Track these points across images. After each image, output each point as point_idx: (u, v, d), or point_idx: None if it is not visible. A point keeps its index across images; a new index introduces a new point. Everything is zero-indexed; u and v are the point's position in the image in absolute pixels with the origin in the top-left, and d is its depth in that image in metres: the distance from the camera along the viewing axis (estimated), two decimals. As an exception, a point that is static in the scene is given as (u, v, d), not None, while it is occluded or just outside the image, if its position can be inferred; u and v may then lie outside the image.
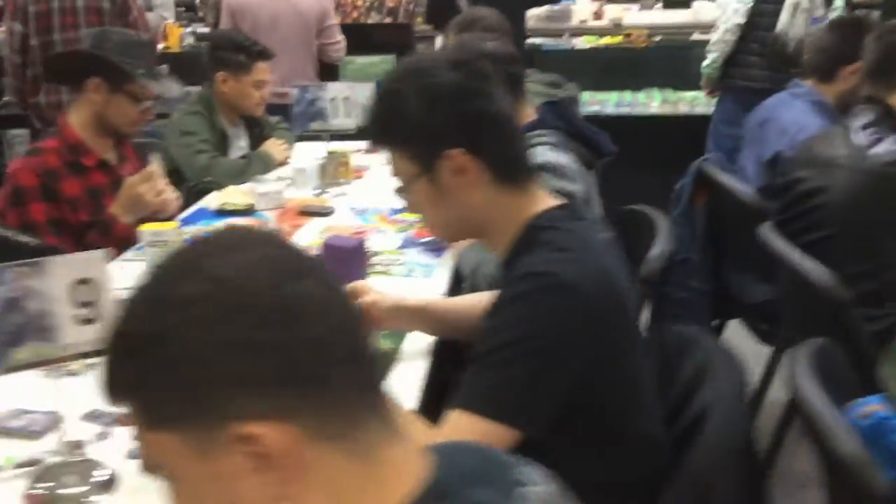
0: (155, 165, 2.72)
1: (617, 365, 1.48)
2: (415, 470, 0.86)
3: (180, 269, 0.83)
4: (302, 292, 0.83)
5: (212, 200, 3.17)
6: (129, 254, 2.66)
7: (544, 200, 1.56)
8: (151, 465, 0.85)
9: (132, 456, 1.58)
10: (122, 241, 2.66)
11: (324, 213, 2.99)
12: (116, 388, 0.84)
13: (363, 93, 3.24)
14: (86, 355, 1.48)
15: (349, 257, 2.31)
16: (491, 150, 1.51)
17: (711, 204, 3.10)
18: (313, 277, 0.85)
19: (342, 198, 3.20)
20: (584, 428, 1.49)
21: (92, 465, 1.53)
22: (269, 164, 3.54)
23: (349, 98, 3.15)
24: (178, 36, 5.89)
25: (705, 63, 4.65)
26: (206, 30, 6.79)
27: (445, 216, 1.57)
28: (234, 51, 3.56)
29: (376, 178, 3.46)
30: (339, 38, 5.04)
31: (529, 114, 2.49)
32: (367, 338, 0.87)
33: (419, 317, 1.92)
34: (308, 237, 2.78)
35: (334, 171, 3.27)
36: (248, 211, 3.01)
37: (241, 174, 3.40)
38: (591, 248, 1.48)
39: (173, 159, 3.33)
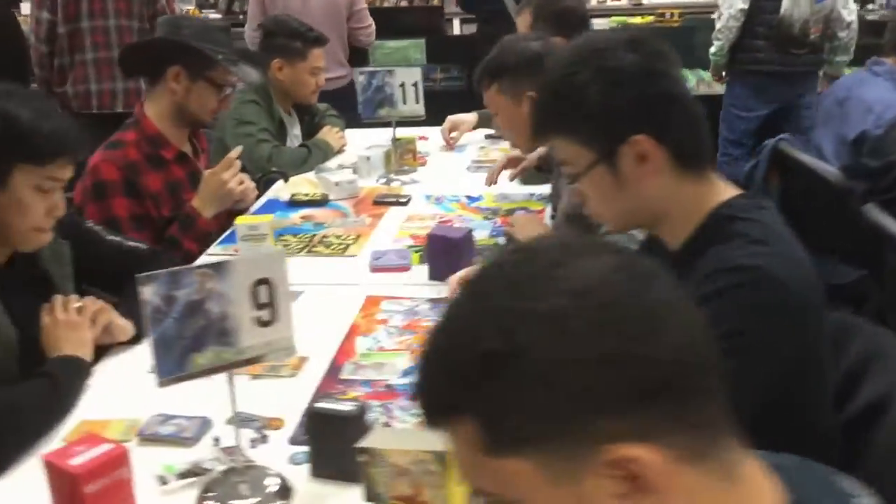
0: (235, 153, 2.65)
1: (812, 359, 1.43)
2: (770, 487, 0.80)
3: (528, 280, 0.76)
4: (657, 298, 0.77)
5: (280, 191, 3.09)
6: (214, 249, 2.59)
7: (725, 188, 1.50)
8: (482, 492, 0.79)
9: (294, 462, 1.52)
10: (203, 236, 2.58)
11: (401, 201, 2.92)
12: (450, 410, 0.77)
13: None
14: (261, 359, 1.41)
15: (456, 249, 2.25)
16: (675, 135, 1.44)
17: (786, 183, 3.06)
18: (659, 281, 0.79)
19: (412, 186, 3.13)
20: (776, 425, 1.44)
21: (261, 472, 1.47)
22: (328, 153, 3.47)
23: (418, 83, 3.06)
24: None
25: (712, 51, 4.66)
26: (217, 16, 6.68)
27: (621, 206, 1.50)
28: (290, 37, 3.48)
29: (440, 164, 3.40)
30: (369, 21, 4.94)
31: None
32: (711, 342, 0.81)
33: None
34: (391, 227, 2.72)
35: (401, 159, 3.19)
36: (322, 201, 2.93)
37: (303, 163, 3.32)
38: (785, 240, 1.43)
39: (232, 149, 3.24)
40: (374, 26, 4.97)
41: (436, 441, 1.26)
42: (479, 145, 3.66)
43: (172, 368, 1.33)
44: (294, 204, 2.93)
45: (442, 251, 2.25)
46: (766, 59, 4.49)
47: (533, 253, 0.80)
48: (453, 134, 3.63)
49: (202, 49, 2.52)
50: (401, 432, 1.41)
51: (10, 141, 1.68)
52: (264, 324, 1.38)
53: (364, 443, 1.28)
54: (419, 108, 3.12)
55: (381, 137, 3.66)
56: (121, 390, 1.80)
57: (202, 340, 1.34)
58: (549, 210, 2.75)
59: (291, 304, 1.42)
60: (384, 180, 3.18)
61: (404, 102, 3.10)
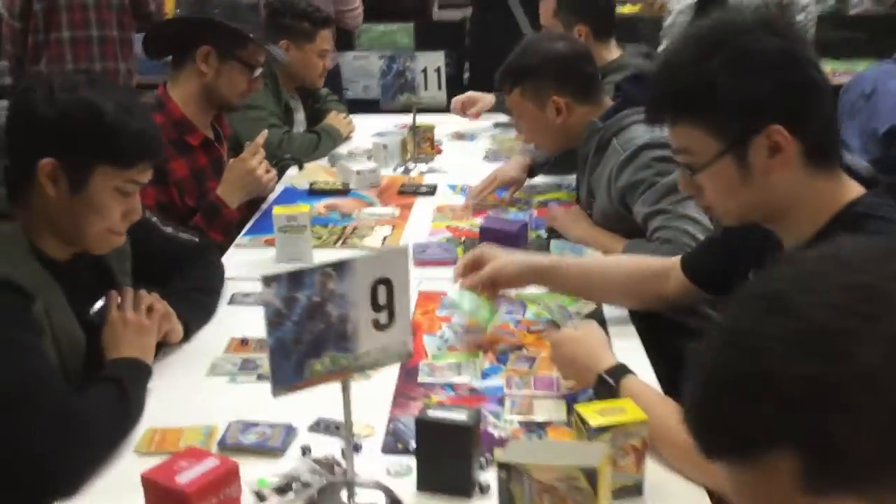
0: (261, 139, 2.51)
1: None
2: None
3: (862, 292, 0.68)
4: None
5: (295, 179, 2.96)
6: (241, 239, 2.46)
7: (853, 185, 1.43)
8: None
9: (396, 473, 1.42)
10: (229, 227, 2.45)
11: (427, 191, 2.81)
12: (763, 441, 0.68)
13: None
14: (377, 365, 1.30)
15: (512, 241, 2.16)
16: (811, 127, 1.36)
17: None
18: None
19: (431, 175, 3.02)
20: None
21: (365, 485, 1.36)
22: (337, 139, 3.34)
23: (441, 69, 2.95)
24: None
25: (660, 49, 4.60)
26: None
27: (743, 199, 1.42)
28: (298, 18, 3.34)
29: (454, 154, 3.29)
30: (357, 3, 4.80)
31: (608, 103, 2.38)
32: None
33: (549, 276, 1.91)
34: (423, 218, 2.61)
35: (419, 147, 3.08)
36: (344, 191, 2.81)
37: (314, 150, 3.20)
38: None
39: (238, 135, 3.10)
40: (361, 8, 4.83)
41: (584, 454, 1.19)
42: (490, 133, 3.57)
43: (289, 376, 1.22)
44: (314, 193, 2.81)
45: (497, 243, 2.15)
46: None
47: (837, 262, 0.71)
48: (473, 109, 3.52)
49: (234, 28, 2.38)
50: (542, 445, 1.32)
51: (93, 140, 1.55)
52: (381, 327, 1.28)
53: (504, 457, 1.19)
54: (441, 95, 3.02)
55: (383, 123, 3.56)
56: (183, 395, 1.67)
57: (320, 345, 1.23)
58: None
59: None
60: (402, 169, 3.07)
61: (426, 88, 2.98)
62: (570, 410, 1.58)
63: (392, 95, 3.03)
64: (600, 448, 1.20)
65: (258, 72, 2.47)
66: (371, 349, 1.28)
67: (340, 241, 2.42)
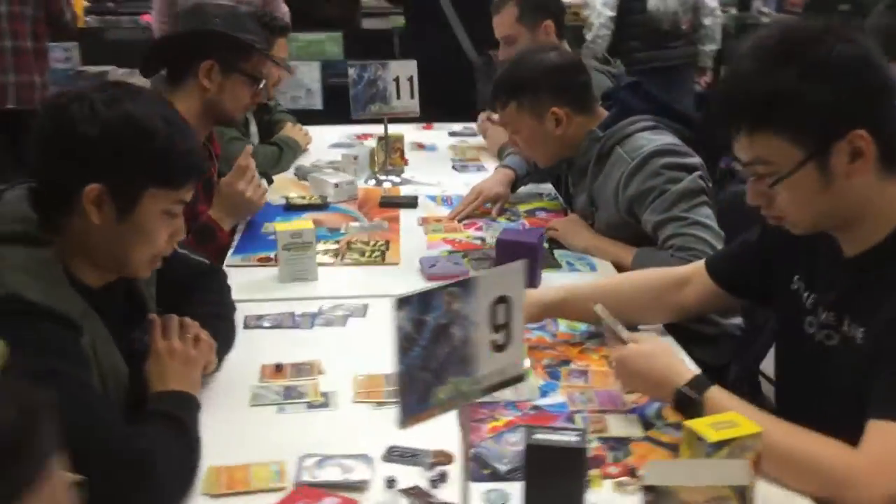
0: (247, 158, 2.38)
1: None
2: None
3: None
4: None
5: (268, 195, 2.82)
6: (231, 259, 2.32)
7: None
8: None
9: (493, 502, 1.35)
10: (223, 251, 2.32)
11: (409, 203, 2.73)
12: None
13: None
14: (494, 389, 1.23)
15: (532, 253, 2.10)
16: (886, 130, 1.37)
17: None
18: None
19: (407, 187, 2.94)
20: None
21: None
22: (297, 151, 3.22)
23: (413, 78, 2.88)
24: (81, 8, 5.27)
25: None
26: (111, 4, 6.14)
27: (820, 207, 1.41)
28: (252, 26, 3.20)
29: (420, 164, 3.22)
30: (284, 10, 4.67)
31: (602, 112, 2.38)
32: None
33: (564, 308, 1.87)
34: (415, 231, 2.53)
35: (391, 158, 2.99)
36: (323, 205, 2.70)
37: (277, 163, 3.07)
38: None
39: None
40: (288, 15, 4.70)
41: (729, 473, 1.14)
42: (448, 143, 3.52)
43: (415, 405, 1.13)
44: (291, 208, 2.69)
45: (515, 257, 2.09)
46: (644, 58, 4.60)
47: None
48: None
49: (239, 39, 2.24)
50: (681, 465, 1.26)
51: (144, 162, 1.41)
52: (499, 348, 1.20)
53: (651, 480, 1.13)
54: (414, 104, 2.94)
55: (334, 134, 3.48)
56: (233, 428, 1.55)
57: (445, 371, 1.15)
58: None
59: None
60: (373, 181, 2.98)
61: (398, 97, 2.90)
62: (646, 426, 1.55)
63: (363, 105, 2.93)
64: (742, 465, 1.16)
65: (262, 84, 2.34)
66: (489, 372, 1.20)
67: (339, 258, 2.31)
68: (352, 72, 2.92)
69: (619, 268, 2.24)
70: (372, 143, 3.34)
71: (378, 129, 3.23)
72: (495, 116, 3.39)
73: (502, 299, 1.19)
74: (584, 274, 2.24)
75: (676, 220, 2.14)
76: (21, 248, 1.37)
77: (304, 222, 2.19)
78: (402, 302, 1.09)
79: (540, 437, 1.30)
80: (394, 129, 3.12)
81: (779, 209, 1.46)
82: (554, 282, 2.13)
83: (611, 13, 4.56)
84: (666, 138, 2.25)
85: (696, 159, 2.22)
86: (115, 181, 1.40)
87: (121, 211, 1.41)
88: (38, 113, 1.45)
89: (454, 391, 1.17)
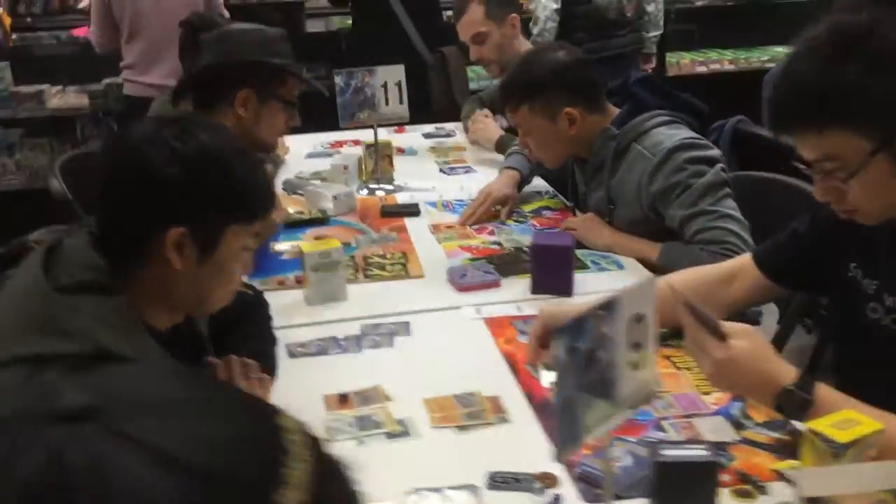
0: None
1: None
2: None
3: None
4: None
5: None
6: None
7: None
8: None
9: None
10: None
11: (412, 211, 2.67)
12: None
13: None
14: (631, 408, 1.19)
15: (566, 257, 2.08)
16: None
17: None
18: None
19: (402, 194, 2.88)
20: None
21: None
22: (278, 162, 3.12)
23: (402, 83, 2.81)
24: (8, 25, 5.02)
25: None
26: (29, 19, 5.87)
27: (894, 197, 1.43)
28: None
29: (408, 168, 3.15)
30: (227, 15, 4.53)
31: (612, 109, 2.37)
32: None
33: None
34: (427, 240, 2.47)
35: (381, 166, 2.92)
36: (324, 219, 2.62)
37: (262, 177, 2.96)
38: None
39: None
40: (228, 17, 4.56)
41: (886, 476, 1.13)
42: (424, 145, 3.46)
43: (569, 437, 1.09)
44: (293, 225, 2.59)
45: (549, 261, 2.07)
46: (591, 48, 4.61)
47: None
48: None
49: (280, 66, 2.14)
50: (835, 472, 1.24)
51: (226, 199, 1.33)
52: (636, 366, 1.17)
53: (810, 490, 1.11)
54: (403, 110, 2.87)
55: (304, 144, 3.40)
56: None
57: (591, 396, 1.11)
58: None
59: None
60: (365, 190, 2.90)
61: (387, 104, 2.83)
62: (736, 426, 1.53)
63: (352, 114, 2.85)
64: (893, 466, 1.15)
65: (296, 108, 2.24)
66: (629, 392, 1.17)
67: (361, 274, 2.24)
68: (338, 80, 2.83)
69: (644, 264, 2.23)
70: (350, 150, 3.27)
71: (349, 136, 3.16)
72: (484, 112, 3.37)
73: (640, 317, 1.16)
74: (613, 273, 2.22)
75: (705, 213, 2.13)
76: (95, 298, 1.28)
77: (330, 241, 2.11)
78: (560, 332, 1.04)
79: (669, 453, 1.27)
80: (364, 135, 3.06)
81: (851, 203, 1.46)
82: (584, 284, 2.11)
83: (555, 5, 4.53)
84: (684, 132, 2.24)
85: (716, 151, 2.22)
86: (198, 222, 1.32)
87: (203, 252, 1.33)
88: (103, 161, 1.36)
89: (600, 415, 1.13)
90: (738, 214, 2.15)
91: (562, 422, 1.07)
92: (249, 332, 1.75)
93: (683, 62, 5.40)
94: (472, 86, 4.65)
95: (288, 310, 2.05)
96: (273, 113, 2.16)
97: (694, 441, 1.31)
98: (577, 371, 1.07)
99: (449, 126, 3.65)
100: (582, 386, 1.09)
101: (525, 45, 3.19)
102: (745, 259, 1.84)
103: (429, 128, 3.69)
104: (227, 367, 1.49)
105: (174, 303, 1.38)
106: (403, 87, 2.84)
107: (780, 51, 5.55)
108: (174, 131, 1.32)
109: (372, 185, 2.92)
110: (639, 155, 2.25)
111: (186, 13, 4.25)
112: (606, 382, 1.13)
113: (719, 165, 2.19)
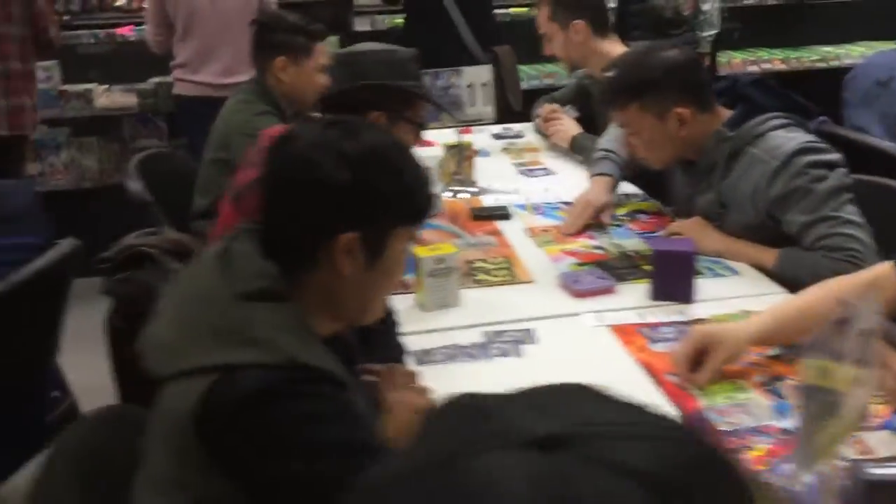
0: None
1: None
2: None
3: None
4: None
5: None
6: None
7: None
8: None
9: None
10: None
11: (503, 214, 2.61)
12: None
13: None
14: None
15: (688, 263, 2.02)
16: None
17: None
18: None
19: (487, 197, 2.82)
20: None
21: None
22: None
23: (488, 83, 2.75)
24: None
25: None
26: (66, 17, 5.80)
27: None
28: (291, 32, 3.05)
29: (484, 170, 3.08)
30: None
31: (722, 111, 2.30)
32: None
33: (778, 334, 1.71)
34: (526, 245, 2.41)
35: (463, 167, 2.86)
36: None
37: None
38: None
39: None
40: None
41: None
42: (496, 146, 3.39)
43: (805, 458, 1.03)
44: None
45: (671, 267, 2.01)
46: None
47: None
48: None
49: (408, 90, 2.11)
50: None
51: (395, 201, 1.29)
52: (858, 383, 1.11)
53: None
54: (488, 111, 2.82)
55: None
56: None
57: (822, 416, 1.05)
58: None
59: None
60: (449, 193, 2.84)
61: (472, 104, 2.77)
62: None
63: (437, 114, 2.79)
64: None
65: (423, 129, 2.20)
66: (850, 407, 1.10)
67: (468, 280, 2.18)
68: (426, 79, 2.77)
69: (759, 270, 2.17)
70: (422, 152, 3.21)
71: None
72: (554, 107, 3.29)
73: (866, 332, 1.10)
74: (728, 279, 2.15)
75: (827, 219, 2.07)
76: (273, 305, 1.22)
77: (444, 246, 2.05)
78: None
79: (876, 472, 1.21)
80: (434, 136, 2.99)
81: None
82: (701, 291, 2.04)
83: (613, 5, 4.51)
84: (802, 136, 2.18)
85: (836, 155, 2.15)
86: (369, 226, 1.26)
87: (371, 256, 1.28)
88: (269, 167, 1.30)
89: (829, 432, 1.07)
90: (860, 220, 2.09)
91: (802, 442, 1.01)
92: (385, 340, 1.69)
93: (734, 62, 5.32)
94: (524, 85, 4.59)
95: (403, 316, 1.99)
96: (401, 134, 2.11)
97: (892, 458, 1.25)
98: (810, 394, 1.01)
99: (517, 126, 3.59)
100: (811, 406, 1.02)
101: (613, 45, 3.10)
102: (884, 268, 1.77)
103: (497, 128, 3.62)
104: (389, 376, 1.43)
105: (340, 309, 1.32)
106: (490, 88, 2.78)
107: (830, 51, 5.49)
108: (339, 133, 1.27)
109: (455, 188, 2.85)
110: (756, 158, 2.18)
111: (242, 11, 4.23)
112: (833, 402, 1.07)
113: (841, 170, 2.13)
